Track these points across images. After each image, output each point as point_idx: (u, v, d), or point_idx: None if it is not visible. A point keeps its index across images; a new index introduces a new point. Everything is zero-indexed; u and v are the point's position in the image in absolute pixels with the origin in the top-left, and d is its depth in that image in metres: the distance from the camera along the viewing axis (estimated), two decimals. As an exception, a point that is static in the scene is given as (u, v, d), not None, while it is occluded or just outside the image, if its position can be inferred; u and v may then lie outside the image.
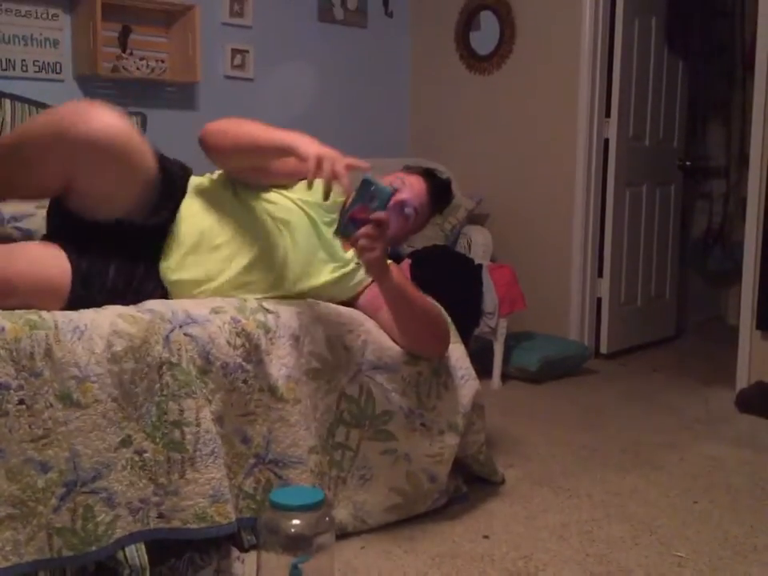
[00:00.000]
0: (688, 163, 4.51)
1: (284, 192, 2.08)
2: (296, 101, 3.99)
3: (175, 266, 1.94)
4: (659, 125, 4.27)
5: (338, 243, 2.07)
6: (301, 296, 2.05)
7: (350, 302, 2.12)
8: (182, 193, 2.00)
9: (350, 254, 2.08)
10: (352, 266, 2.09)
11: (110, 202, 1.83)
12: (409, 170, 2.27)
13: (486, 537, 2.02)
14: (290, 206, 2.06)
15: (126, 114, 1.85)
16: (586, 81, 3.91)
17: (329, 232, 2.04)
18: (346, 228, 1.80)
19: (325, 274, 2.06)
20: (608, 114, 3.97)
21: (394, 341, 2.05)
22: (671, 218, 4.49)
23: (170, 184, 1.95)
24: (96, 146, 1.70)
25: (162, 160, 1.92)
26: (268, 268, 2.01)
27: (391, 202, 1.84)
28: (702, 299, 5.01)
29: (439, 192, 2.24)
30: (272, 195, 2.07)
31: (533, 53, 4.09)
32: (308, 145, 1.78)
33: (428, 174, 2.25)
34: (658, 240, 4.38)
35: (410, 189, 2.15)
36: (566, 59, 3.96)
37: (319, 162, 1.72)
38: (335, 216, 2.05)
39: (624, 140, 4.00)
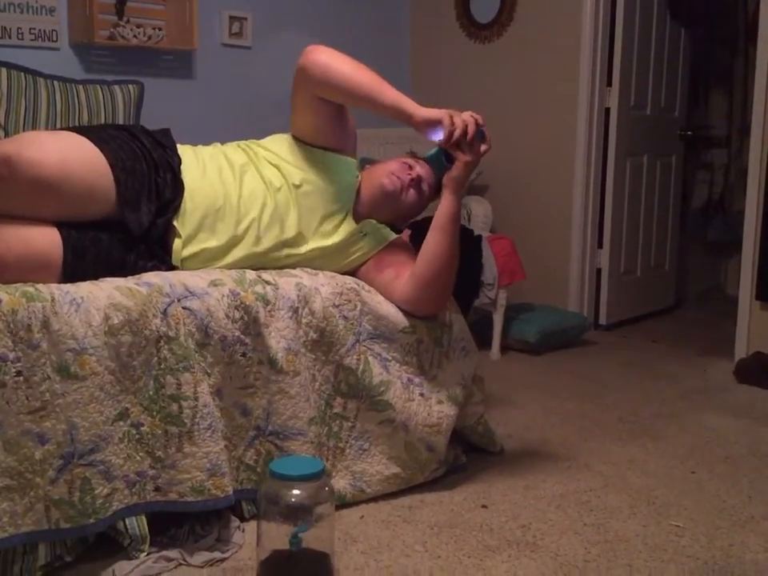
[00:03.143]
0: (689, 133, 4.48)
1: (289, 154, 2.10)
2: (293, 69, 3.94)
3: (185, 240, 1.92)
4: (661, 94, 4.23)
5: (345, 204, 2.09)
6: (307, 260, 2.06)
7: (351, 271, 2.13)
8: (165, 174, 1.94)
9: (360, 223, 2.11)
10: (363, 230, 2.11)
11: (80, 216, 1.82)
12: (414, 157, 2.29)
13: (484, 506, 2.03)
14: (295, 164, 2.08)
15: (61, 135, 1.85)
16: (587, 49, 3.86)
17: (333, 193, 2.08)
18: (439, 157, 1.99)
19: (335, 236, 2.08)
20: (609, 83, 3.93)
21: (394, 300, 2.06)
22: (672, 188, 4.47)
23: (141, 180, 1.89)
24: (32, 191, 1.71)
25: (125, 160, 1.87)
26: (279, 232, 2.01)
27: (409, 178, 2.11)
28: (702, 270, 5.00)
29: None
30: (279, 155, 2.09)
31: (534, 21, 4.04)
32: (423, 110, 1.92)
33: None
34: (659, 210, 4.36)
35: (423, 168, 2.18)
36: (568, 28, 3.91)
37: (451, 119, 1.89)
38: (345, 184, 2.10)
39: (625, 109, 3.97)
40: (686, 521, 1.98)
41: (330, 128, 2.11)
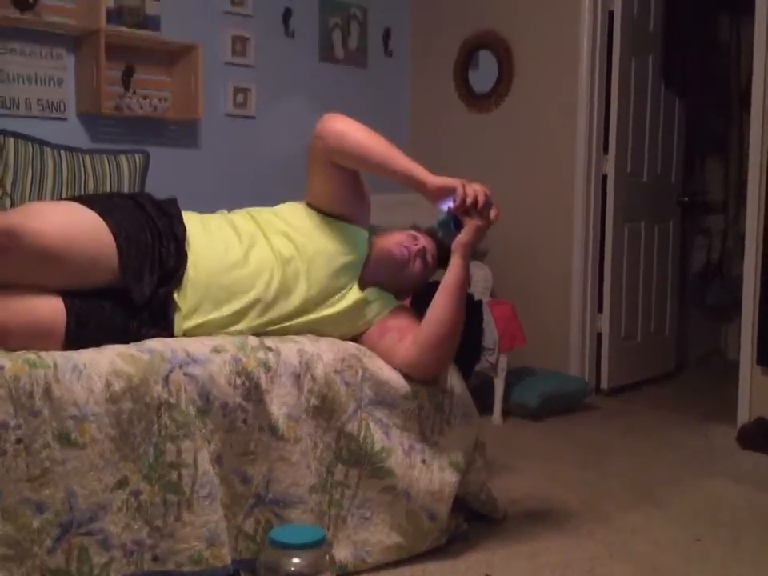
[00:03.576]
0: (686, 199, 4.54)
1: (303, 223, 2.13)
2: (297, 138, 4.00)
3: (187, 313, 1.93)
4: (657, 161, 4.30)
5: (353, 277, 2.12)
6: (312, 327, 2.07)
7: (353, 336, 2.14)
8: (168, 250, 1.95)
9: (365, 291, 2.13)
10: (368, 299, 2.13)
11: (84, 285, 1.84)
12: (417, 229, 2.35)
13: (487, 575, 2.00)
14: (308, 235, 2.10)
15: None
16: (583, 118, 3.95)
17: (343, 266, 2.10)
18: (449, 223, 2.03)
19: (341, 304, 2.09)
20: (606, 151, 4.00)
21: (396, 363, 2.06)
22: (670, 253, 4.51)
23: (144, 249, 1.91)
24: (36, 261, 1.74)
25: (130, 230, 1.89)
26: (285, 304, 2.02)
27: (415, 248, 2.19)
28: (702, 334, 5.01)
29: (442, 250, 2.28)
30: (292, 224, 2.11)
31: (531, 91, 4.14)
32: (436, 178, 1.98)
33: (433, 235, 2.33)
34: (658, 275, 4.39)
35: (427, 240, 2.24)
36: (564, 97, 4.00)
37: (463, 186, 1.95)
38: (355, 255, 2.13)
39: (622, 176, 4.03)
40: (692, 590, 1.95)
41: (344, 195, 2.16)
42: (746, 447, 3.13)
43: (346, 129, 2.05)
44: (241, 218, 2.12)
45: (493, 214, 2.00)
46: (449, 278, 2.05)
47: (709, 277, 5.00)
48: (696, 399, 4.00)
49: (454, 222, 2.02)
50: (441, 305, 2.04)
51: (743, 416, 3.34)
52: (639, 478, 2.79)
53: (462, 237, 2.02)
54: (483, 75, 4.30)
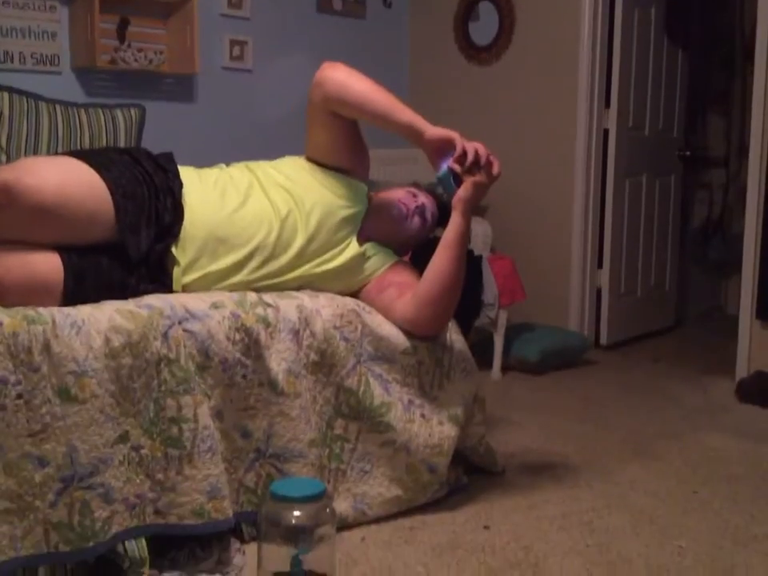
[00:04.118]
0: (688, 153, 4.50)
1: (301, 176, 2.11)
2: (295, 92, 3.96)
3: (186, 267, 1.92)
4: (659, 115, 4.26)
5: (352, 231, 2.11)
6: (307, 283, 2.06)
7: (352, 292, 2.14)
8: (165, 205, 1.93)
9: (364, 246, 2.13)
10: (367, 253, 2.13)
11: (80, 240, 1.82)
12: (417, 187, 2.34)
13: (486, 527, 2.02)
14: (307, 187, 2.09)
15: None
16: (585, 71, 3.89)
17: (342, 219, 2.09)
18: (448, 178, 2.00)
19: (339, 258, 2.09)
20: (608, 104, 3.96)
21: (396, 319, 2.06)
22: (671, 208, 4.48)
23: (141, 204, 1.89)
24: (32, 217, 1.73)
25: (127, 185, 1.87)
26: (283, 256, 2.02)
27: (414, 205, 2.18)
28: (702, 289, 5.01)
29: (442, 208, 2.27)
30: (290, 176, 2.10)
31: (532, 44, 4.08)
32: (435, 128, 1.97)
33: (433, 192, 2.33)
34: (658, 230, 4.37)
35: (426, 197, 2.24)
36: (566, 50, 3.94)
37: (461, 139, 1.94)
38: (354, 209, 2.12)
39: (624, 130, 3.99)
40: (689, 541, 1.97)
41: (343, 146, 2.14)
42: (745, 401, 3.15)
43: (346, 77, 2.04)
44: (238, 171, 2.10)
45: (495, 169, 1.98)
46: (448, 234, 2.04)
47: (709, 232, 4.99)
48: (695, 354, 4.01)
49: (453, 177, 2.00)
50: (440, 260, 2.03)
51: (742, 370, 3.35)
52: (637, 432, 2.81)
53: (462, 192, 2.00)
54: (484, 27, 4.24)
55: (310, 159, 2.17)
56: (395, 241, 2.21)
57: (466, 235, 2.05)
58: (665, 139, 4.35)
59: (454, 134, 1.96)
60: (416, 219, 2.19)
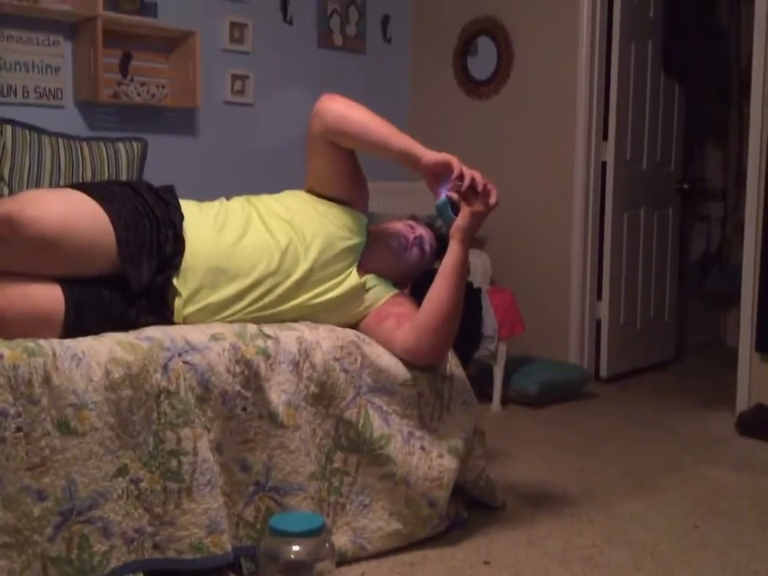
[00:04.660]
0: (686, 186, 4.53)
1: (301, 207, 2.13)
2: (295, 125, 4.00)
3: (187, 299, 1.93)
4: (656, 147, 4.29)
5: (352, 262, 2.12)
6: (307, 314, 2.06)
7: (353, 323, 2.15)
8: (166, 238, 1.94)
9: (364, 277, 2.14)
10: (367, 284, 2.14)
11: (82, 272, 1.83)
12: (416, 220, 2.38)
13: (486, 563, 2.00)
14: (307, 219, 2.10)
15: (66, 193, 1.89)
16: (583, 104, 3.93)
17: (342, 249, 2.10)
18: (446, 207, 2.02)
19: (339, 289, 2.09)
20: (605, 137, 3.99)
21: (395, 349, 2.06)
22: (669, 240, 4.50)
23: (143, 236, 1.90)
24: (34, 249, 1.74)
25: (130, 218, 1.89)
26: (284, 287, 2.02)
27: (413, 236, 2.21)
28: (701, 321, 5.01)
29: (440, 241, 2.29)
30: (290, 208, 2.12)
31: (530, 77, 4.12)
32: (432, 153, 2.00)
33: (431, 226, 2.38)
34: (657, 262, 4.39)
35: (426, 231, 2.28)
36: (564, 83, 3.99)
37: (459, 165, 1.96)
38: (354, 240, 2.13)
39: (621, 163, 4.03)
40: (690, 574, 1.95)
41: (342, 177, 2.17)
42: (745, 434, 3.13)
43: (345, 108, 2.08)
44: (239, 204, 2.11)
45: (492, 199, 2.00)
46: (446, 263, 2.05)
47: (708, 264, 5.00)
48: (695, 386, 4.00)
49: (451, 206, 2.01)
50: (439, 290, 2.04)
51: (742, 403, 3.35)
52: (638, 466, 2.79)
53: (460, 221, 2.01)
54: (482, 62, 4.29)
55: (310, 191, 2.19)
56: (394, 272, 2.23)
57: (464, 265, 2.06)
58: (662, 172, 4.38)
59: (451, 158, 1.98)
60: (415, 250, 2.21)
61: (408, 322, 2.09)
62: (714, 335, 5.06)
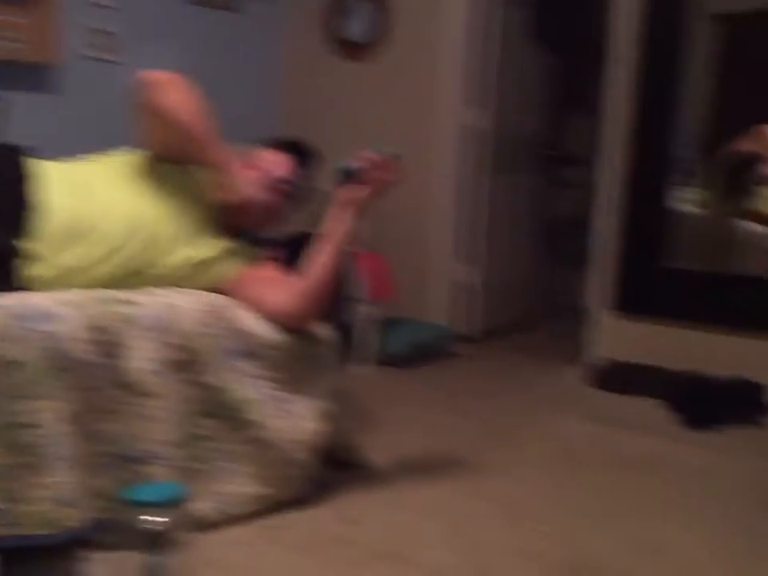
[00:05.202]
0: (550, 152, 4.68)
1: (159, 168, 2.08)
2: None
3: (37, 264, 1.85)
4: (522, 114, 4.41)
5: (209, 224, 2.09)
6: (170, 278, 2.03)
7: (220, 288, 2.12)
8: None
9: (227, 241, 2.11)
10: (229, 248, 2.11)
11: None
12: (265, 144, 2.27)
13: (352, 522, 2.04)
14: (164, 181, 2.06)
15: None
16: (455, 70, 3.98)
17: (203, 209, 2.07)
18: (350, 172, 2.04)
19: (201, 251, 2.06)
20: (475, 103, 4.06)
21: (269, 312, 2.05)
22: (531, 204, 4.65)
23: None
24: None
25: None
26: (143, 250, 1.98)
27: (262, 181, 2.11)
28: (559, 282, 5.22)
29: (303, 157, 2.25)
30: (142, 172, 2.06)
31: (404, 42, 4.12)
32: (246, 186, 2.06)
33: (285, 144, 2.27)
34: (519, 225, 4.53)
35: (276, 164, 2.19)
36: (437, 48, 4.01)
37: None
38: (200, 204, 2.09)
39: (490, 128, 4.11)
40: (547, 524, 2.06)
41: (177, 143, 2.10)
42: (598, 387, 3.31)
43: (169, 107, 1.99)
44: (93, 165, 2.05)
45: (392, 176, 2.05)
46: (336, 231, 2.06)
47: (567, 228, 5.21)
48: (552, 343, 4.19)
49: (355, 173, 2.03)
50: (324, 255, 2.05)
51: (595, 358, 3.53)
52: (499, 421, 2.91)
53: (361, 193, 2.04)
54: (358, 23, 4.26)
55: (153, 153, 2.13)
56: (257, 220, 2.19)
57: (349, 233, 2.07)
58: (529, 138, 4.51)
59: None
60: (273, 195, 2.16)
61: (279, 285, 2.08)
62: (570, 295, 5.27)
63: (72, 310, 1.77)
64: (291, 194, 2.21)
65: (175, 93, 2.02)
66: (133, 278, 1.98)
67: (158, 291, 1.98)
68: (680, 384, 3.13)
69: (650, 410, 3.04)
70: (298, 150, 2.27)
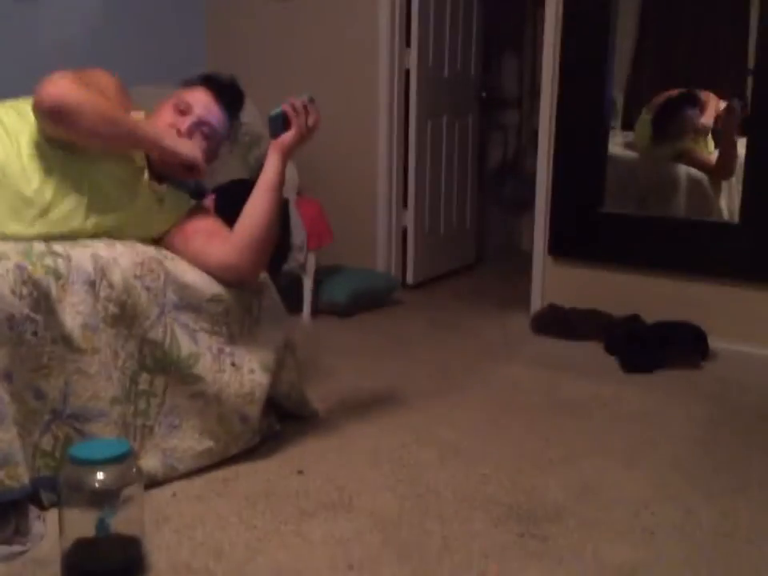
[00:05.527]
0: (484, 94, 4.64)
1: None
2: (83, 24, 3.68)
3: None
4: (457, 56, 4.35)
5: (137, 172, 1.99)
6: (104, 230, 1.94)
7: (155, 238, 2.05)
8: None
9: (159, 187, 2.02)
10: (163, 196, 2.03)
11: None
12: (187, 83, 2.13)
13: (300, 472, 2.03)
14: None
15: None
16: (385, 10, 3.88)
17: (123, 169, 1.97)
18: (279, 119, 2.01)
19: (132, 200, 1.98)
20: (408, 45, 3.99)
21: (209, 264, 1.99)
22: (470, 148, 4.63)
23: None
24: None
25: None
26: (68, 200, 1.88)
27: (187, 125, 2.01)
28: (499, 227, 5.25)
29: (228, 95, 2.12)
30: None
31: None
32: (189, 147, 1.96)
33: (209, 81, 2.12)
34: (458, 171, 4.51)
35: (200, 105, 2.05)
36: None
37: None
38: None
39: (424, 70, 4.05)
40: (492, 468, 2.08)
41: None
42: (539, 332, 3.35)
43: (69, 104, 1.79)
44: (4, 111, 1.92)
45: (311, 120, 2.00)
46: (268, 178, 2.01)
47: (505, 172, 5.22)
48: (494, 290, 4.21)
49: (283, 120, 1.99)
50: (262, 202, 2.00)
51: (536, 303, 3.56)
52: (443, 367, 2.92)
53: (287, 137, 1.99)
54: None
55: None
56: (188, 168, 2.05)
57: (283, 180, 2.04)
58: (463, 80, 4.46)
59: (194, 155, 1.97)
60: (197, 138, 2.02)
61: (217, 236, 2.02)
62: (510, 240, 5.32)
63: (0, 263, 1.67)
64: (215, 136, 2.09)
65: (63, 90, 1.80)
66: (60, 233, 1.88)
67: (90, 243, 1.90)
68: (616, 327, 3.18)
69: (591, 354, 3.09)
70: (223, 89, 2.12)
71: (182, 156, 1.94)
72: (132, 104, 2.07)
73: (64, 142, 1.87)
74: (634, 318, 3.22)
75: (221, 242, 2.01)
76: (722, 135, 3.44)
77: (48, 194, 1.85)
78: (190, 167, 1.97)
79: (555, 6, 3.37)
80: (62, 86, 1.79)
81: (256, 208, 2.00)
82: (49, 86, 1.79)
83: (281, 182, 2.02)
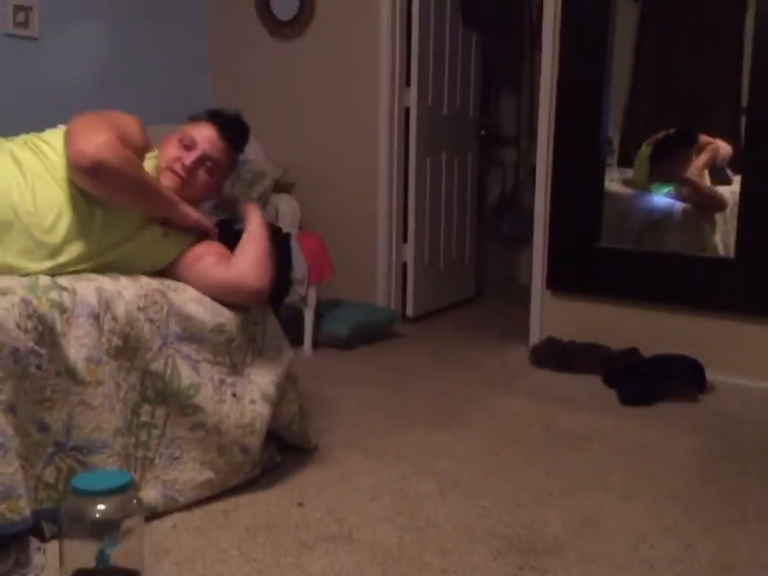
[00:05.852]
0: (483, 132, 4.71)
1: None
2: (87, 63, 3.75)
3: None
4: (456, 95, 4.42)
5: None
6: (110, 268, 1.98)
7: (163, 271, 2.09)
8: None
9: (163, 228, 2.07)
10: (167, 233, 2.08)
11: None
12: (192, 118, 2.17)
13: (300, 504, 2.03)
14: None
15: None
16: (386, 50, 3.96)
17: None
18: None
19: (139, 237, 2.02)
20: (408, 84, 4.05)
21: (217, 282, 2.04)
22: (468, 184, 4.68)
23: None
24: None
25: None
26: (78, 243, 1.92)
27: (191, 160, 2.06)
28: (498, 262, 5.29)
29: (233, 130, 2.16)
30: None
31: (334, 20, 4.08)
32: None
33: (214, 116, 2.16)
34: (458, 206, 4.56)
35: (204, 140, 2.09)
36: (367, 28, 3.98)
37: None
38: None
39: (424, 108, 4.11)
40: (492, 501, 2.08)
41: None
42: (538, 365, 3.36)
43: (110, 168, 1.84)
44: (19, 148, 1.95)
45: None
46: (253, 228, 2.13)
47: (503, 207, 5.27)
48: (493, 322, 4.24)
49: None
50: (253, 240, 2.10)
51: (534, 336, 3.59)
52: (443, 399, 2.93)
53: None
54: (286, 2, 4.19)
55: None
56: (192, 196, 2.11)
57: (265, 225, 2.17)
58: (462, 118, 4.53)
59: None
60: (200, 173, 2.09)
61: (224, 260, 2.08)
62: (508, 274, 5.36)
63: (5, 297, 1.70)
64: (218, 171, 2.13)
65: (106, 155, 1.83)
66: (67, 270, 1.92)
67: (95, 276, 1.93)
68: (614, 360, 3.19)
69: (589, 387, 3.10)
70: (228, 123, 2.16)
71: (198, 224, 2.07)
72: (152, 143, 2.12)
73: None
74: (632, 351, 3.24)
75: (226, 265, 2.06)
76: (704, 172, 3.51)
77: (59, 236, 1.89)
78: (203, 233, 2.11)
79: (552, 46, 3.44)
80: (100, 147, 1.82)
81: (251, 243, 2.10)
82: (85, 145, 1.82)
83: (263, 230, 2.14)
